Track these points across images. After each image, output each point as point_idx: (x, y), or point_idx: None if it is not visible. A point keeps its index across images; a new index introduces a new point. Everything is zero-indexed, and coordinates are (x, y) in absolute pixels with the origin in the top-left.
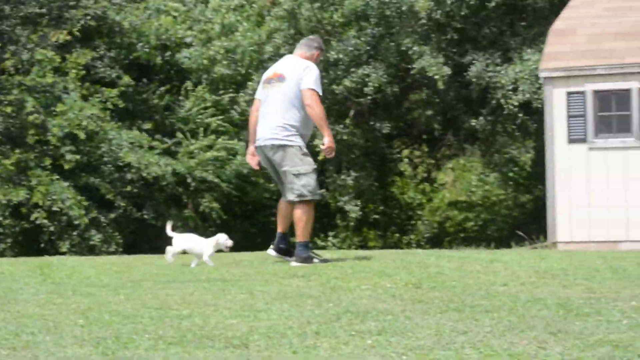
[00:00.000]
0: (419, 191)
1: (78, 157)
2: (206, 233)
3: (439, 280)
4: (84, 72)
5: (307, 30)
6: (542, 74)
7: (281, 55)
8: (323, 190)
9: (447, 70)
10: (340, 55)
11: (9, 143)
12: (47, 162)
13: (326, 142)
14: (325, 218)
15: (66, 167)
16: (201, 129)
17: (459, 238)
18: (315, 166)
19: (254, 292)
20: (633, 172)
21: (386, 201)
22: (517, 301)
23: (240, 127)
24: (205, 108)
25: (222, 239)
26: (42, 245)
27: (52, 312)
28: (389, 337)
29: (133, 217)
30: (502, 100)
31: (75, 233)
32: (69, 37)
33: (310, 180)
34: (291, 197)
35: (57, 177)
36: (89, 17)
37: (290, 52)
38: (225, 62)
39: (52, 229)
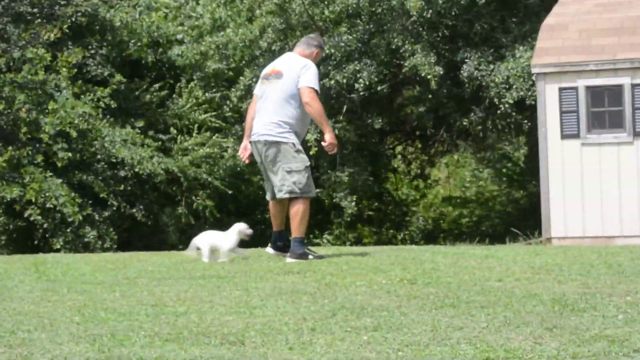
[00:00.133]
0: (412, 187)
1: (70, 154)
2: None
3: (434, 276)
4: (75, 70)
5: (299, 26)
6: (534, 70)
7: (273, 51)
8: (319, 190)
9: (439, 70)
10: (332, 51)
11: (1, 140)
12: (40, 159)
13: (328, 138)
14: (320, 215)
15: (59, 164)
16: (195, 125)
17: (453, 234)
18: (308, 164)
19: (250, 289)
20: (626, 168)
21: (380, 197)
22: (513, 297)
23: (232, 123)
24: (198, 105)
25: (242, 227)
26: (36, 242)
27: (48, 309)
28: (385, 333)
29: (127, 215)
30: (496, 100)
31: (69, 230)
32: (60, 35)
33: (302, 178)
34: (280, 194)
35: (51, 174)
36: (79, 14)
37: (282, 47)
38: (216, 58)
39: (45, 226)
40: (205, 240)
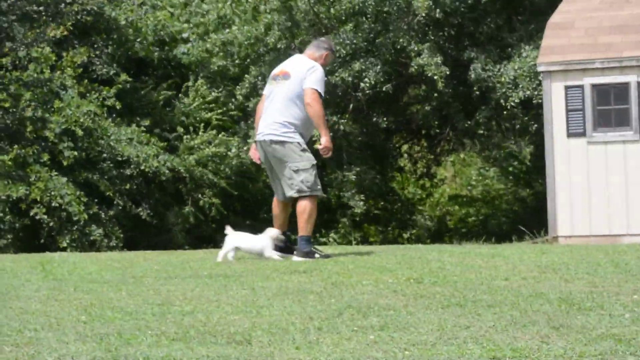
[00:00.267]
0: (419, 186)
1: (76, 153)
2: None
3: (440, 275)
4: (80, 69)
5: (304, 24)
6: (540, 68)
7: (278, 49)
8: (324, 195)
9: (445, 70)
10: (338, 48)
11: (7, 139)
12: (46, 157)
13: (323, 141)
14: (326, 214)
15: (65, 163)
16: (201, 124)
17: (459, 233)
18: (314, 162)
19: (256, 288)
20: (632, 166)
21: (386, 196)
22: (519, 296)
23: (237, 121)
24: (205, 103)
25: (275, 233)
26: (42, 240)
27: (54, 308)
28: (392, 333)
29: (132, 214)
30: (502, 101)
31: (75, 228)
32: (65, 33)
33: (309, 176)
34: (290, 192)
35: (56, 173)
36: (85, 13)
37: (287, 46)
38: (221, 54)
39: (51, 224)
40: (240, 240)
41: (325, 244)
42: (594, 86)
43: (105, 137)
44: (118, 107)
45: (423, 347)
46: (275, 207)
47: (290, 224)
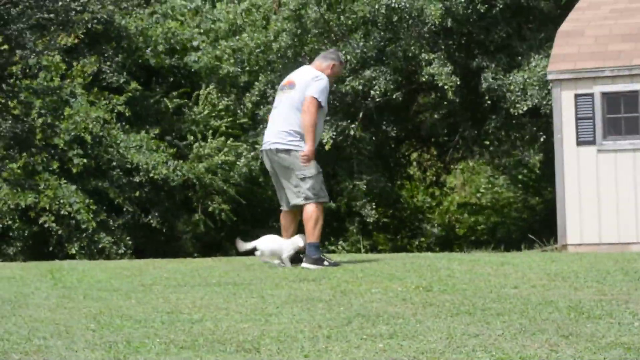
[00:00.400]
0: (428, 194)
1: (85, 160)
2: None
3: (449, 283)
4: (90, 77)
5: (315, 32)
6: (550, 76)
7: (288, 57)
8: (329, 202)
9: (456, 80)
10: (349, 57)
11: (16, 147)
12: (55, 165)
13: (305, 149)
14: (335, 222)
15: (74, 170)
16: (210, 131)
17: (468, 241)
18: (320, 170)
19: (265, 296)
20: None
21: (396, 204)
22: (529, 304)
23: (246, 129)
24: (215, 111)
25: (301, 241)
26: (51, 248)
27: (64, 316)
28: (400, 341)
29: (142, 222)
30: (512, 110)
31: (84, 235)
32: (76, 41)
33: (316, 184)
34: (296, 200)
35: (65, 181)
36: (95, 22)
37: (298, 53)
38: (232, 61)
39: (60, 232)
40: (271, 242)
41: (334, 251)
42: (604, 94)
43: (114, 144)
44: (127, 114)
45: (432, 355)
46: (283, 218)
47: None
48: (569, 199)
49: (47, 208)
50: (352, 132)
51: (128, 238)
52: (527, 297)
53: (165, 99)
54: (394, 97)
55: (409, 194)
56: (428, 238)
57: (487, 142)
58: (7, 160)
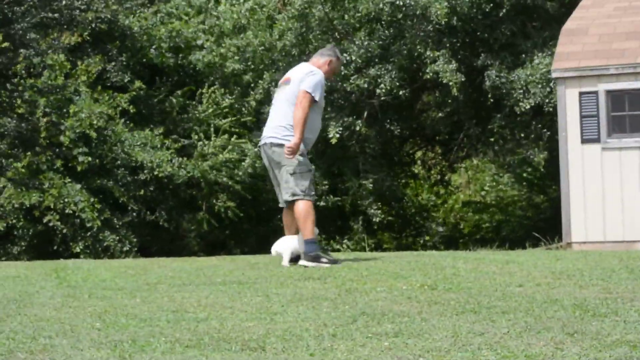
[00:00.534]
0: (432, 193)
1: (90, 158)
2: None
3: (454, 281)
4: (94, 75)
5: (319, 31)
6: (554, 75)
7: (292, 55)
8: (344, 197)
9: (460, 77)
10: (353, 57)
11: (20, 146)
12: (59, 164)
13: (291, 142)
14: (340, 220)
15: (79, 168)
16: (212, 129)
17: (473, 239)
18: (311, 168)
19: (270, 295)
20: None
21: (400, 203)
22: (534, 302)
23: (250, 128)
24: (219, 110)
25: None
26: (56, 247)
27: (69, 315)
28: (406, 339)
29: (147, 221)
30: (516, 108)
31: (88, 234)
32: (79, 40)
33: (305, 181)
34: (285, 196)
35: (70, 179)
36: (99, 21)
37: (302, 51)
38: (236, 58)
39: (65, 231)
40: (288, 244)
41: (339, 250)
42: (608, 92)
43: (119, 143)
44: (132, 111)
45: (437, 353)
46: (285, 215)
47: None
48: (574, 197)
49: (52, 207)
50: (357, 128)
51: (133, 236)
52: (532, 295)
53: (170, 97)
54: (400, 95)
55: (414, 192)
56: (433, 236)
57: (492, 140)
58: (11, 159)
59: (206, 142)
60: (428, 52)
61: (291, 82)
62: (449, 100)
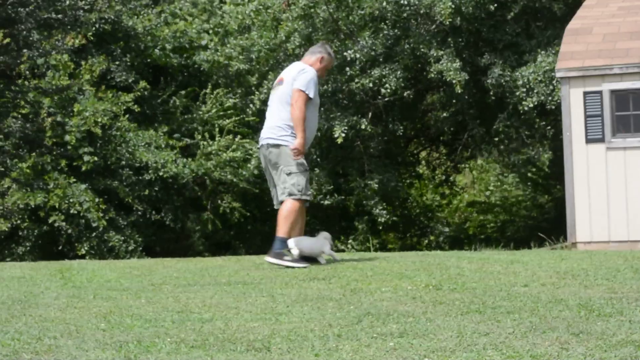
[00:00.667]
0: (437, 193)
1: (95, 158)
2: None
3: (459, 281)
4: (98, 76)
5: (324, 30)
6: (558, 74)
7: (296, 55)
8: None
9: (464, 76)
10: (357, 55)
11: (25, 146)
12: (64, 163)
13: (296, 143)
14: (345, 220)
15: (84, 168)
16: (217, 129)
17: (478, 239)
18: (307, 168)
19: (275, 295)
20: None
21: (405, 203)
22: (539, 302)
23: (255, 129)
24: (224, 110)
25: (328, 235)
26: (61, 248)
27: (74, 316)
28: (411, 339)
29: (152, 221)
30: (519, 106)
31: (93, 235)
32: (84, 41)
33: (301, 181)
34: (281, 196)
35: (75, 180)
36: (103, 22)
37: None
38: (241, 58)
39: (70, 231)
40: (302, 245)
41: (343, 250)
42: (612, 92)
43: (123, 144)
44: (137, 110)
45: (442, 353)
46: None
47: (310, 230)
48: (578, 196)
49: (57, 207)
50: (362, 127)
51: (138, 236)
52: (537, 295)
53: (174, 97)
54: (405, 94)
55: (418, 192)
56: (437, 236)
57: (497, 140)
58: (16, 160)
59: (210, 142)
60: (432, 52)
61: (284, 82)
62: (454, 101)
